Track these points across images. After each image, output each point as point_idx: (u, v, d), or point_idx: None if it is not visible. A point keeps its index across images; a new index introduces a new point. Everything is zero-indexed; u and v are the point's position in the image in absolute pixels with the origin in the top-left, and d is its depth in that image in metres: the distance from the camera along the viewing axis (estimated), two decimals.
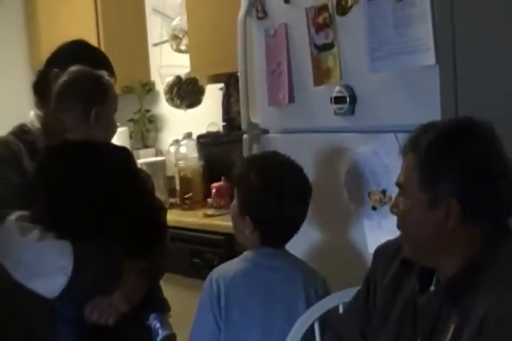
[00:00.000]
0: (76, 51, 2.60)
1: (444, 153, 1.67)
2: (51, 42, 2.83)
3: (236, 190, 2.37)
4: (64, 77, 2.37)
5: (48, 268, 2.27)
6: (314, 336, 2.25)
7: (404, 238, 1.79)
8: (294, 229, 2.36)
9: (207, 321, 2.30)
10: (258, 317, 2.29)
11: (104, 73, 2.40)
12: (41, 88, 2.56)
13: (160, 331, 2.45)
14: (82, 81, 2.37)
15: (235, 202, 2.37)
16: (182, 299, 3.10)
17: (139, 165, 2.96)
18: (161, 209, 2.60)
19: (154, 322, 2.46)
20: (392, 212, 1.80)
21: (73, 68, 2.39)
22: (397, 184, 1.77)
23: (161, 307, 2.53)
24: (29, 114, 2.58)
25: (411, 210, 1.72)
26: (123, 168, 2.38)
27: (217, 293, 2.27)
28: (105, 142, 2.41)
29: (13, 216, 2.30)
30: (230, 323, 2.28)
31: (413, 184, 1.70)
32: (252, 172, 2.32)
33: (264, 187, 2.28)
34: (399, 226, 1.79)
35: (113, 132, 2.46)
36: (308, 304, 2.30)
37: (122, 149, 2.45)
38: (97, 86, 2.37)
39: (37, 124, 2.52)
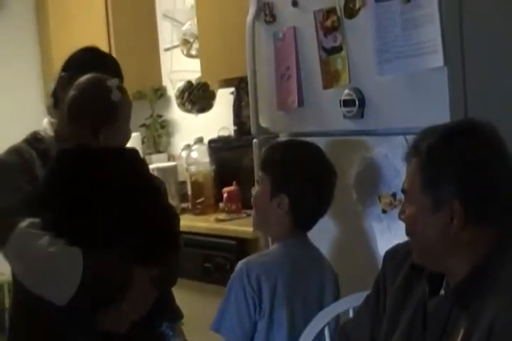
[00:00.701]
0: (87, 58, 2.61)
1: (445, 155, 1.66)
2: (62, 48, 2.85)
3: (264, 174, 2.38)
4: (73, 91, 2.37)
5: (57, 275, 2.27)
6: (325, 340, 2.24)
7: (413, 244, 1.78)
8: (323, 211, 2.40)
9: (242, 316, 2.27)
10: (297, 309, 2.30)
11: (114, 83, 2.38)
12: (55, 94, 2.58)
13: (172, 339, 2.45)
14: (90, 99, 2.35)
15: (259, 188, 2.39)
16: (193, 304, 3.10)
17: (151, 171, 2.96)
18: (174, 216, 2.59)
19: (167, 331, 2.46)
20: (400, 218, 1.80)
21: (83, 80, 2.38)
22: (403, 190, 1.77)
23: (174, 316, 2.53)
24: (42, 122, 2.58)
25: (416, 215, 1.72)
26: (134, 171, 2.38)
27: (259, 290, 2.26)
28: (116, 147, 2.41)
29: (24, 223, 2.30)
30: (273, 317, 2.28)
31: (416, 189, 1.70)
32: (284, 151, 2.39)
33: (301, 163, 2.34)
34: (407, 233, 1.78)
35: (126, 140, 2.46)
36: (334, 295, 2.36)
37: (132, 151, 2.45)
38: (105, 104, 2.35)
39: (50, 132, 2.52)
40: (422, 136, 1.73)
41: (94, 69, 2.43)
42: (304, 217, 2.37)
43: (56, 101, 2.56)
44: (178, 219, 2.61)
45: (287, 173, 2.33)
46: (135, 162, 2.43)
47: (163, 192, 2.62)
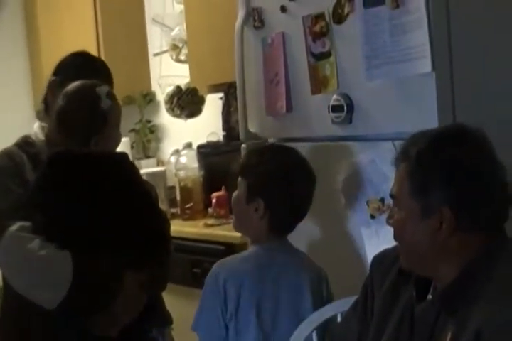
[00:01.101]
0: (78, 63, 2.62)
1: (434, 161, 1.66)
2: (52, 53, 2.86)
3: (242, 178, 2.40)
4: (62, 101, 2.37)
5: (47, 278, 2.26)
6: None
7: (401, 248, 1.78)
8: (300, 215, 2.41)
9: (211, 318, 2.32)
10: (266, 314, 2.31)
11: (103, 90, 2.38)
12: (46, 100, 2.59)
13: None
14: (78, 110, 2.36)
15: (237, 193, 2.41)
16: (182, 309, 3.09)
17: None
18: (165, 221, 2.59)
19: (157, 336, 2.45)
20: (388, 223, 1.80)
21: (71, 88, 2.38)
22: (391, 195, 1.77)
23: (164, 321, 2.52)
24: (33, 126, 2.59)
25: (405, 220, 1.72)
26: (125, 174, 2.38)
27: (224, 294, 2.30)
28: (106, 151, 2.42)
29: (14, 227, 2.30)
30: (239, 321, 2.31)
31: (405, 194, 1.70)
32: (260, 156, 2.41)
33: (274, 167, 2.36)
34: (395, 238, 1.78)
35: (117, 145, 2.47)
36: (314, 299, 2.34)
37: (121, 155, 2.45)
38: (94, 115, 2.35)
39: (41, 136, 2.53)
40: (411, 141, 1.73)
41: (84, 73, 2.44)
42: (281, 222, 2.39)
43: (47, 106, 2.57)
44: (169, 224, 2.61)
45: (263, 178, 2.35)
46: (125, 165, 2.43)
47: (154, 196, 2.62)
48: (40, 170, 2.36)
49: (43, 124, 2.55)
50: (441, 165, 1.66)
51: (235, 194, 2.43)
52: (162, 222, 2.49)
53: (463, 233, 1.66)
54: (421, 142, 1.69)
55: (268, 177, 2.35)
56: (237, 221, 2.47)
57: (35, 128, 2.56)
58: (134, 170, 2.48)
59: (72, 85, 2.38)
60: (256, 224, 2.37)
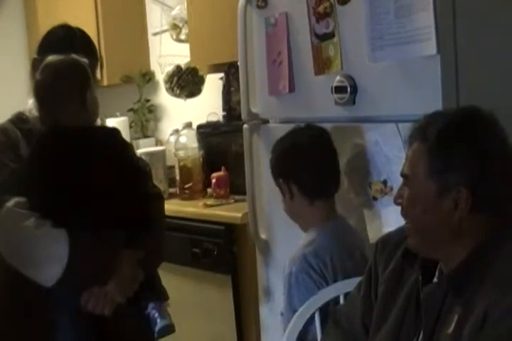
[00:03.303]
0: (54, 38, 2.64)
1: (456, 142, 1.66)
2: None
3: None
4: (40, 76, 2.38)
5: (43, 256, 2.27)
6: (315, 326, 2.25)
7: (410, 228, 1.76)
8: None
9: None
10: None
11: (72, 57, 2.42)
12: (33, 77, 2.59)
13: (158, 320, 2.45)
14: (70, 68, 2.38)
15: None
16: (181, 288, 3.11)
17: (138, 155, 2.95)
18: (158, 198, 2.59)
19: (153, 312, 2.46)
20: (396, 203, 1.77)
21: (46, 65, 2.40)
22: (402, 174, 1.74)
23: (160, 297, 2.53)
24: (28, 103, 2.58)
25: (418, 200, 1.70)
26: (113, 151, 2.38)
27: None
28: (95, 126, 2.44)
29: (11, 202, 2.31)
30: None
31: (421, 173, 1.68)
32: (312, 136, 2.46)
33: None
34: (405, 217, 1.76)
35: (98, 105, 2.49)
36: None
37: (112, 130, 2.45)
38: (81, 69, 2.39)
39: (35, 112, 2.52)
40: (428, 120, 1.71)
41: (61, 48, 2.46)
42: None
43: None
44: (162, 200, 2.62)
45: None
46: (115, 139, 2.43)
47: (148, 173, 2.62)
48: (32, 146, 2.37)
49: None
50: (462, 145, 1.65)
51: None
52: (154, 202, 2.50)
53: (477, 215, 1.66)
54: (440, 122, 1.68)
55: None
56: None
57: (29, 105, 2.56)
58: (125, 144, 2.48)
59: (48, 59, 2.41)
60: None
